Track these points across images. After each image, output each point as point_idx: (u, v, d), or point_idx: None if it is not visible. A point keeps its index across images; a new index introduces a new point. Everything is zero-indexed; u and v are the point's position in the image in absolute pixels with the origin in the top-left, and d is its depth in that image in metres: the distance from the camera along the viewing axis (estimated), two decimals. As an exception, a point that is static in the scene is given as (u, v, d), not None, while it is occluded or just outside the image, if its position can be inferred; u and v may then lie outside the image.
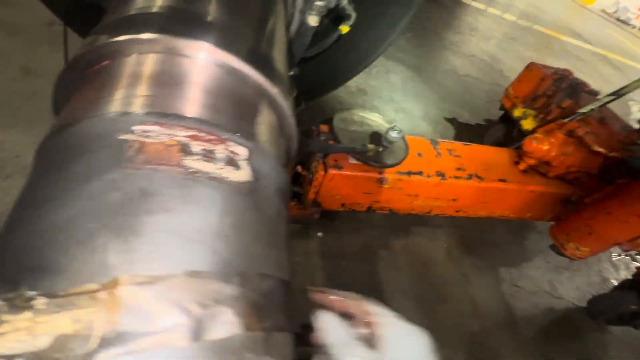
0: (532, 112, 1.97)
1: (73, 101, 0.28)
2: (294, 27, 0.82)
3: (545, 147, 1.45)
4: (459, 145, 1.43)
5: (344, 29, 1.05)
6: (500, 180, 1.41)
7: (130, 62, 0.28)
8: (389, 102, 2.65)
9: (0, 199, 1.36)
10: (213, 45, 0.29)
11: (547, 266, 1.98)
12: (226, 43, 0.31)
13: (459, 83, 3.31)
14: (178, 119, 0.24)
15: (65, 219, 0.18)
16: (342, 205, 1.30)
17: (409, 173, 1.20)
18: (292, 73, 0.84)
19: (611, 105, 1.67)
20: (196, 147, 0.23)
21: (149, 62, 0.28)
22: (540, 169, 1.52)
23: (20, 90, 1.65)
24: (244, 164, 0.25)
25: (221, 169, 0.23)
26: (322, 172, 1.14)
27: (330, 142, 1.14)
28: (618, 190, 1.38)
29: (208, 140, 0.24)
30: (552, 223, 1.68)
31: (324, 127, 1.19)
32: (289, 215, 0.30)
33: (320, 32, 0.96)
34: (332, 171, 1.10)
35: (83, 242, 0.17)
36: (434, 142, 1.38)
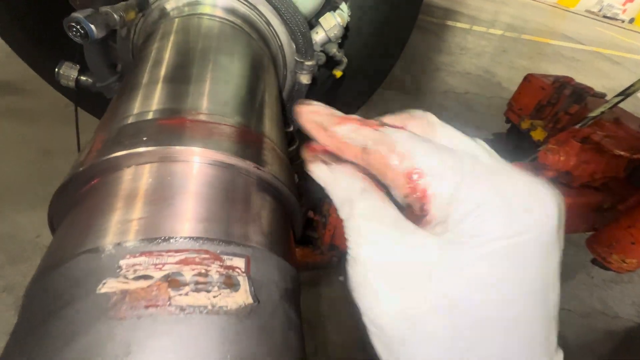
0: (539, 122, 1.93)
1: (62, 231, 0.27)
2: (287, 87, 0.84)
3: (562, 158, 1.38)
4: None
5: (338, 73, 1.08)
6: (522, 199, 1.34)
7: (125, 176, 0.28)
8: (392, 131, 2.67)
9: (19, 282, 1.37)
10: (202, 147, 0.29)
11: (593, 282, 1.82)
12: (215, 140, 0.31)
13: (459, 101, 3.32)
14: (167, 242, 0.23)
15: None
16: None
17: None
18: (290, 129, 0.86)
19: (623, 103, 1.61)
20: (187, 273, 0.21)
21: (142, 176, 0.28)
22: (562, 179, 1.44)
23: (39, 172, 1.72)
24: (242, 279, 0.23)
25: (216, 295, 0.21)
26: (335, 215, 1.11)
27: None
28: (653, 194, 1.29)
29: (200, 262, 0.22)
30: (588, 234, 1.56)
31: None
32: (299, 315, 0.27)
33: (315, 78, 0.98)
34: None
35: None
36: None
